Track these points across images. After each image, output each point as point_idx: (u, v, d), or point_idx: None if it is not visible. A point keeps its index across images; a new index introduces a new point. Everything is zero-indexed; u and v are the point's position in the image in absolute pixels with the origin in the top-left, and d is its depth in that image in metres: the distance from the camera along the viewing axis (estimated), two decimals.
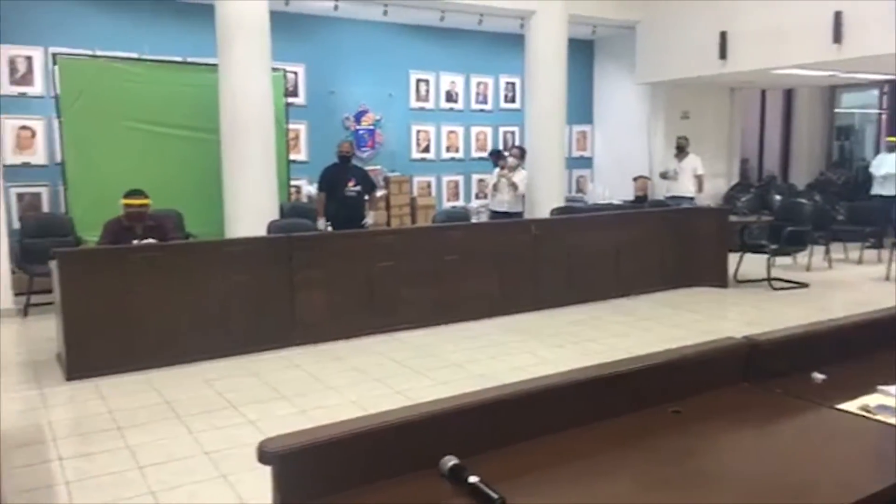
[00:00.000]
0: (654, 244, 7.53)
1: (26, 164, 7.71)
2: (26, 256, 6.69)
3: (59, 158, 7.51)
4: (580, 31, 10.21)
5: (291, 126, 8.79)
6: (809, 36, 8.16)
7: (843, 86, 12.59)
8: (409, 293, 6.06)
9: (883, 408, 1.59)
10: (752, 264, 7.85)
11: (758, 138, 13.45)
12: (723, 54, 9.18)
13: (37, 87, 7.77)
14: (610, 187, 11.04)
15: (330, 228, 7.36)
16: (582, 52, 11.27)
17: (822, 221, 9.02)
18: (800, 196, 10.16)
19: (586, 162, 11.95)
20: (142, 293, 5.02)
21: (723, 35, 9.14)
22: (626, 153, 11.20)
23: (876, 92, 12.97)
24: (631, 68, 10.69)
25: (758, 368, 1.77)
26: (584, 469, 1.40)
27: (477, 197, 10.62)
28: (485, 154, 10.32)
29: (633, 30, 10.33)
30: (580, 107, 11.30)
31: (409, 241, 6.43)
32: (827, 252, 9.11)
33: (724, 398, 1.69)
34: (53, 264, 4.97)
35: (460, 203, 10.53)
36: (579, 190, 11.75)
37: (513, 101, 11.07)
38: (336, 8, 8.61)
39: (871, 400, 1.63)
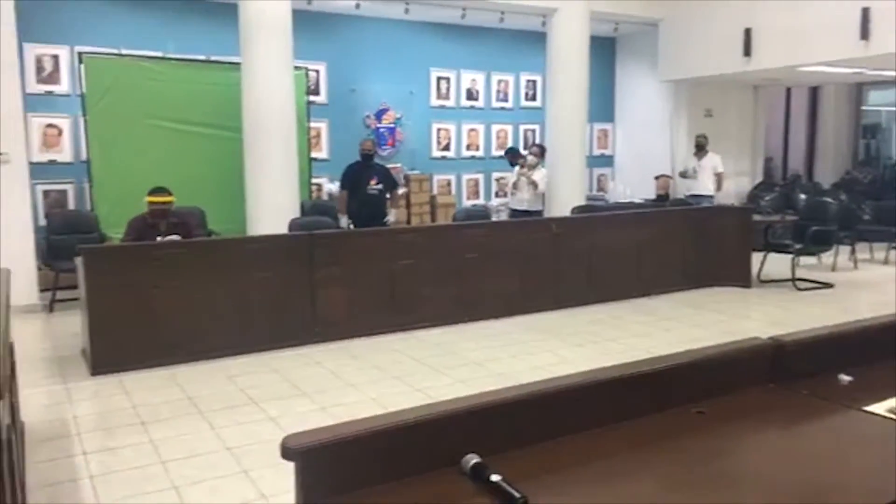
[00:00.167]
0: (676, 243, 7.46)
1: (52, 162, 7.82)
2: (52, 253, 6.79)
3: (84, 156, 7.62)
4: (602, 28, 10.15)
5: (313, 124, 8.84)
6: (836, 32, 8.04)
7: (869, 83, 12.40)
8: (430, 291, 6.06)
9: None
10: (776, 264, 7.76)
11: (782, 136, 13.28)
12: (747, 51, 9.08)
13: (63, 86, 7.88)
14: (631, 186, 10.97)
15: (351, 226, 7.39)
16: (604, 50, 11.21)
17: (847, 221, 8.89)
18: (825, 195, 10.01)
19: (607, 160, 11.89)
20: (165, 289, 5.07)
21: (747, 32, 9.04)
22: (648, 151, 11.12)
23: None
24: (653, 66, 10.61)
25: (783, 369, 1.74)
26: (607, 469, 1.39)
27: (497, 195, 10.60)
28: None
29: (655, 27, 10.25)
30: (601, 105, 11.24)
31: (430, 239, 6.43)
32: (852, 252, 8.97)
33: (749, 399, 1.67)
34: (79, 261, 5.04)
35: (480, 201, 10.52)
36: (600, 188, 11.69)
37: (534, 98, 11.03)
38: (358, 6, 8.64)
39: None
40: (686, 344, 1.92)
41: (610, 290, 6.94)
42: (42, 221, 7.41)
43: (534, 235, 6.78)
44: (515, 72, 10.88)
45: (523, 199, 8.34)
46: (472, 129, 10.67)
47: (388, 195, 7.70)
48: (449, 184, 10.47)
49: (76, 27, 7.81)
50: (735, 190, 11.14)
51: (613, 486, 1.34)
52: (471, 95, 10.60)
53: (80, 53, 7.48)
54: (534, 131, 10.94)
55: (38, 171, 7.44)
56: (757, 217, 8.28)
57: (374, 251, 5.95)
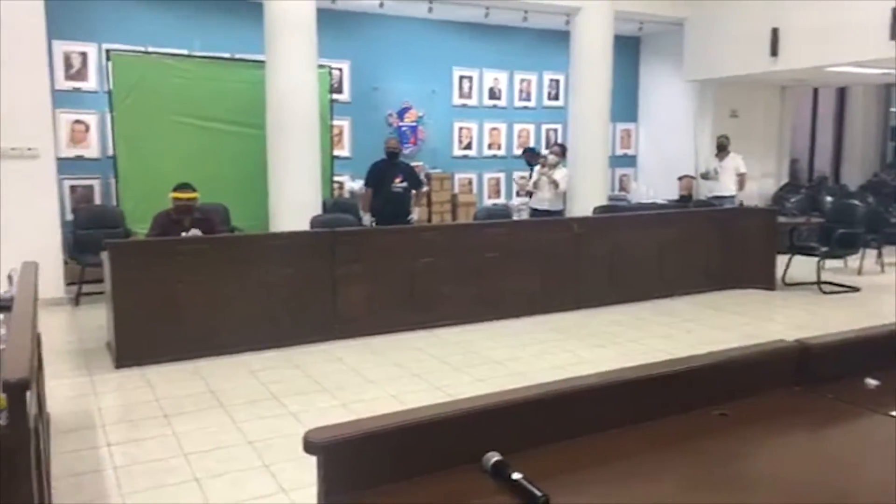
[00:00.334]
0: (699, 244, 7.40)
1: (80, 158, 7.94)
2: (78, 247, 6.89)
3: (110, 152, 7.72)
4: (626, 27, 10.08)
5: (335, 122, 8.88)
6: (865, 32, 7.92)
7: None
8: (450, 290, 6.07)
9: None
10: (802, 267, 7.66)
11: (809, 138, 13.10)
12: (774, 51, 8.97)
13: (91, 83, 7.99)
14: (654, 186, 10.89)
15: (374, 224, 7.42)
16: (628, 49, 11.13)
17: (874, 224, 8.74)
18: (852, 197, 9.85)
19: (630, 160, 11.81)
20: (189, 284, 5.13)
21: (774, 31, 8.92)
22: (671, 152, 11.03)
23: None
24: (678, 65, 10.51)
25: (809, 372, 1.72)
26: (627, 469, 1.38)
27: (518, 195, 10.58)
28: None
29: (680, 26, 10.16)
30: (625, 104, 11.17)
31: (451, 237, 6.44)
32: (879, 255, 8.84)
33: (774, 402, 1.65)
34: (105, 255, 5.12)
35: (501, 200, 10.50)
36: (622, 189, 11.62)
37: (556, 98, 10.99)
38: (381, 5, 8.66)
39: None
40: (708, 346, 1.90)
41: (631, 291, 6.90)
42: (69, 216, 7.53)
43: (555, 235, 6.76)
44: (538, 71, 10.85)
45: (544, 199, 8.31)
46: (494, 129, 10.66)
47: (413, 192, 7.72)
48: (470, 183, 10.46)
49: (104, 25, 7.91)
50: (760, 191, 11.01)
51: (633, 486, 1.33)
52: (493, 94, 10.59)
53: (107, 51, 7.57)
54: (556, 131, 10.90)
55: (66, 166, 7.55)
56: (782, 219, 8.18)
57: (395, 249, 5.96)
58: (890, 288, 7.80)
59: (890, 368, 1.76)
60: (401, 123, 9.89)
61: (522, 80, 10.79)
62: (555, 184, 8.19)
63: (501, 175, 10.73)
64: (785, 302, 7.18)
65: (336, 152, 8.91)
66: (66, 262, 6.91)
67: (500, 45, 10.37)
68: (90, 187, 8.03)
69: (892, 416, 1.57)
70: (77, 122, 7.94)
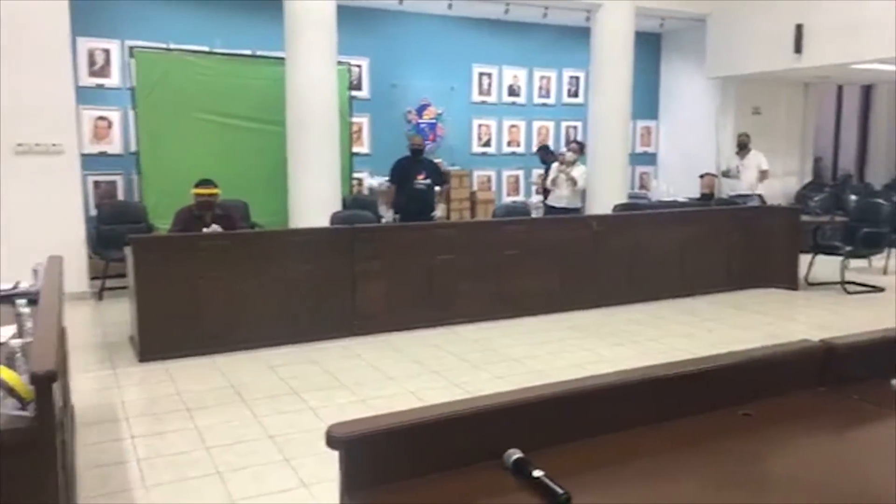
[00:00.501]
0: (721, 243, 7.33)
1: (103, 154, 8.03)
2: (102, 242, 6.98)
3: (133, 148, 7.81)
4: (647, 24, 10.01)
5: (355, 119, 8.92)
6: (891, 29, 7.79)
7: None
8: (468, 287, 6.06)
9: None
10: (825, 267, 7.56)
11: (833, 136, 12.93)
12: (798, 48, 8.86)
13: (114, 79, 8.08)
14: (674, 184, 10.80)
15: (398, 220, 7.43)
16: (649, 45, 11.05)
17: None
18: (877, 196, 9.70)
19: (650, 158, 11.73)
20: (210, 279, 5.18)
21: (798, 28, 8.82)
22: (693, 149, 10.94)
23: None
24: (699, 62, 10.42)
25: (834, 373, 1.70)
26: (649, 468, 1.38)
27: (537, 192, 10.55)
28: None
29: (703, 23, 10.07)
30: (645, 101, 11.09)
31: (470, 234, 6.44)
32: None
33: (798, 402, 1.63)
34: (128, 250, 5.18)
35: (520, 198, 10.48)
36: (642, 186, 11.54)
37: (576, 95, 10.94)
38: (401, 2, 8.68)
39: None
40: (730, 345, 1.89)
41: (651, 290, 6.86)
42: (93, 211, 7.62)
43: (574, 233, 6.73)
44: (558, 68, 10.80)
45: (562, 196, 8.28)
46: (514, 126, 10.63)
47: (437, 188, 7.73)
48: (489, 180, 10.45)
49: (127, 22, 8.00)
50: (783, 190, 10.89)
51: (654, 485, 1.33)
52: (512, 91, 10.56)
53: (130, 48, 7.66)
54: (576, 128, 10.86)
55: (89, 162, 7.64)
56: (805, 218, 8.08)
57: (414, 246, 5.97)
58: None
59: None
60: (420, 120, 9.89)
61: (542, 77, 10.75)
62: (573, 181, 8.14)
63: (520, 172, 10.71)
64: (808, 302, 7.10)
65: (355, 149, 8.94)
66: (90, 257, 6.99)
67: (519, 42, 10.34)
68: (113, 183, 8.12)
69: None
70: (100, 118, 8.03)
